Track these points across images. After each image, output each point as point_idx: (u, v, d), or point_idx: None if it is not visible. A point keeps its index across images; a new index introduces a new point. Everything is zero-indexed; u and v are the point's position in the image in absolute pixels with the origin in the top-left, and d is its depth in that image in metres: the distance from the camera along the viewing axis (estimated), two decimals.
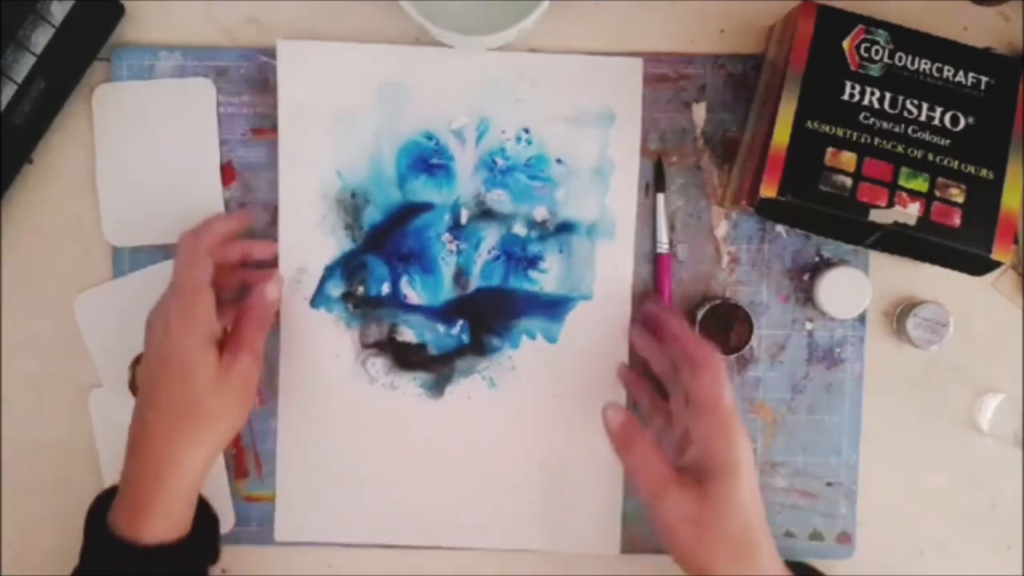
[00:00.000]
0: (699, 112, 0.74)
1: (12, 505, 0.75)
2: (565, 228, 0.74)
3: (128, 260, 0.74)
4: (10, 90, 0.70)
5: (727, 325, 0.73)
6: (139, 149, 0.74)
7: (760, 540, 0.62)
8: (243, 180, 0.75)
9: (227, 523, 0.75)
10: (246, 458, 0.75)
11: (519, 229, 0.74)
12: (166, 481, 0.65)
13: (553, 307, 0.74)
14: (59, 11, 0.70)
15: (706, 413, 0.63)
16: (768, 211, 0.67)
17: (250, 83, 0.74)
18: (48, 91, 0.71)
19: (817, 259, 0.75)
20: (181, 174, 0.74)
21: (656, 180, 0.74)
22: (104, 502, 0.67)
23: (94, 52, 0.73)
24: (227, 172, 0.74)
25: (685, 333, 0.68)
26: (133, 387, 0.74)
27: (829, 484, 0.75)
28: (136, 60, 0.74)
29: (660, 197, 0.74)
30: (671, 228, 0.74)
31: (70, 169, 0.75)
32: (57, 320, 0.75)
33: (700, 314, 0.72)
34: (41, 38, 0.70)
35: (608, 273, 0.74)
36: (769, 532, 0.63)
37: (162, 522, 0.65)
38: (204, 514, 0.69)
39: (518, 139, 0.74)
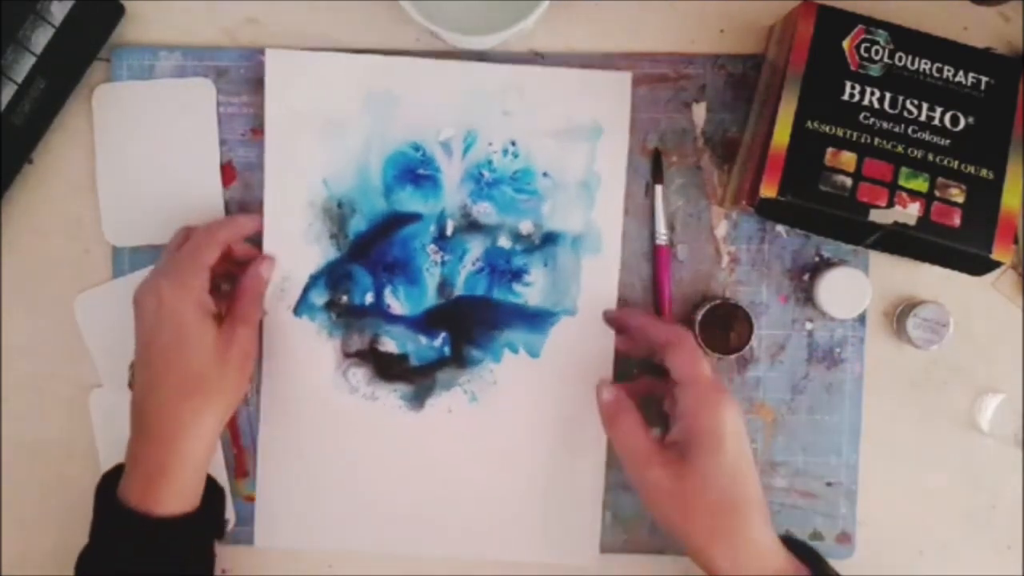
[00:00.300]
0: (699, 112, 0.74)
1: (12, 505, 0.75)
2: (550, 241, 0.74)
3: (128, 260, 0.75)
4: (10, 90, 0.70)
5: (727, 325, 0.72)
6: (139, 149, 0.74)
7: (744, 509, 0.62)
8: (243, 180, 0.75)
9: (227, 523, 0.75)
10: (246, 458, 0.75)
11: (504, 242, 0.74)
12: (177, 452, 0.65)
13: (536, 321, 0.74)
14: (59, 11, 0.70)
15: (689, 387, 0.65)
16: (768, 211, 0.67)
17: (250, 83, 0.74)
18: (48, 91, 0.71)
19: (817, 259, 0.75)
20: (181, 174, 0.74)
21: (654, 172, 0.74)
22: (110, 480, 0.67)
23: (94, 52, 0.73)
24: (227, 172, 0.74)
25: (647, 322, 0.69)
26: (133, 387, 0.74)
27: (829, 484, 0.75)
28: (136, 60, 0.74)
29: (658, 188, 0.74)
30: (671, 228, 0.74)
31: (70, 169, 0.75)
32: (57, 320, 0.75)
33: (700, 314, 0.72)
34: (41, 38, 0.70)
35: (593, 288, 0.74)
36: (760, 501, 0.63)
37: (174, 494, 0.65)
38: (211, 490, 0.69)
39: (505, 152, 0.74)
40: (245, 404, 0.75)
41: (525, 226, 0.74)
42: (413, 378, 0.74)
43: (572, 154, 0.73)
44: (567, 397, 0.74)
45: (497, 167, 0.74)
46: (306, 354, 0.74)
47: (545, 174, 0.74)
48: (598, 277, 0.74)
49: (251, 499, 0.75)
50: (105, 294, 0.75)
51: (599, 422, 0.70)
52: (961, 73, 0.67)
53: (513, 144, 0.74)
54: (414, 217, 0.74)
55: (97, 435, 0.75)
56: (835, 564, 0.74)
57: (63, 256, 0.75)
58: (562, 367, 0.74)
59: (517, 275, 0.74)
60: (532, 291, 0.74)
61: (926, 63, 0.67)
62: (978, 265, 0.66)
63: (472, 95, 0.73)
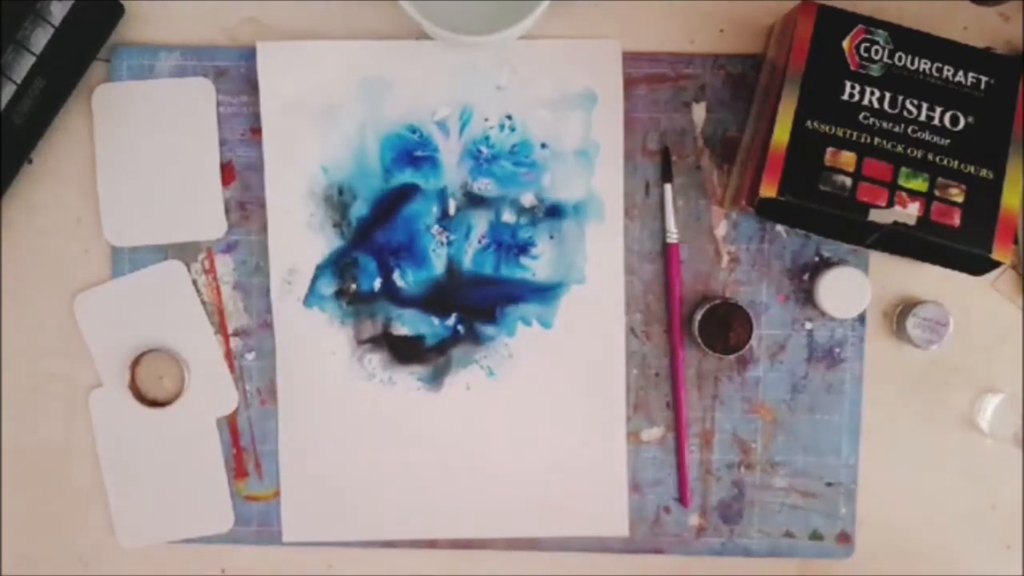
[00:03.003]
0: (699, 112, 0.74)
1: (12, 505, 0.75)
2: (554, 212, 0.74)
3: (128, 260, 0.75)
4: (10, 90, 0.70)
5: (727, 325, 0.72)
6: (139, 149, 0.74)
7: None
8: (243, 180, 0.75)
9: (227, 523, 0.75)
10: (246, 458, 0.75)
11: (508, 216, 0.74)
12: None
13: (547, 292, 0.74)
14: (59, 11, 0.70)
15: None
16: (768, 211, 0.67)
17: (250, 83, 0.74)
18: (48, 91, 0.71)
19: (817, 259, 0.75)
20: (181, 174, 0.74)
21: (663, 171, 0.74)
22: None
23: (94, 52, 0.73)
24: (227, 172, 0.74)
25: None
26: (133, 387, 0.74)
27: (829, 484, 0.75)
28: (136, 60, 0.74)
29: (668, 187, 0.74)
30: None
31: (70, 169, 0.75)
32: (57, 320, 0.75)
33: (700, 314, 0.72)
34: (41, 38, 0.70)
35: (600, 256, 0.74)
36: None
37: None
38: None
39: (501, 126, 0.74)
40: (245, 406, 0.75)
41: (527, 199, 0.74)
42: (429, 358, 0.75)
43: (568, 123, 0.74)
44: (583, 364, 0.74)
45: (495, 142, 0.74)
46: (320, 344, 0.74)
47: (543, 145, 0.74)
48: (603, 244, 0.74)
49: (251, 499, 0.75)
50: (105, 294, 0.75)
51: (617, 388, 0.71)
52: (961, 73, 0.67)
53: (509, 118, 0.74)
54: (413, 190, 0.74)
55: (97, 435, 0.75)
56: (835, 564, 0.75)
57: (63, 256, 0.75)
58: (576, 335, 0.74)
59: (524, 249, 0.74)
60: (540, 264, 0.74)
61: (926, 63, 0.67)
62: (978, 265, 0.66)
63: (464, 73, 0.74)
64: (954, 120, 0.66)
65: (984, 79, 0.67)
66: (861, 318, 0.74)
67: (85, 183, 0.75)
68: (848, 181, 0.65)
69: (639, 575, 0.75)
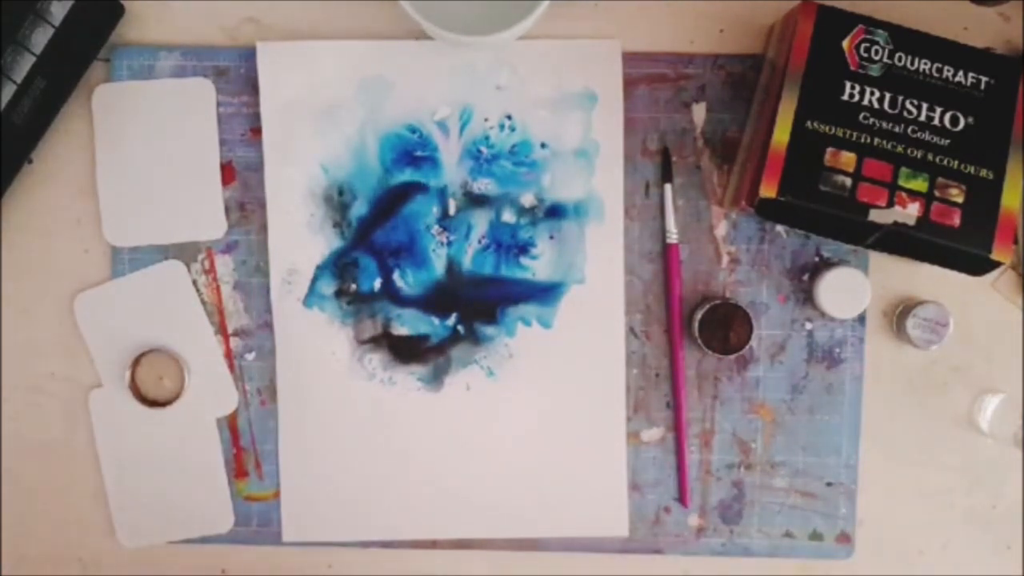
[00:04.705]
0: (699, 112, 0.74)
1: (12, 505, 0.75)
2: (554, 212, 0.74)
3: (128, 260, 0.75)
4: (10, 90, 0.70)
5: (727, 325, 0.72)
6: (139, 149, 0.74)
7: None
8: (243, 180, 0.75)
9: (226, 523, 0.75)
10: (246, 458, 0.75)
11: (508, 216, 0.74)
12: None
13: (547, 293, 0.74)
14: (59, 11, 0.70)
15: None
16: (768, 211, 0.67)
17: (250, 83, 0.74)
18: (48, 91, 0.71)
19: (817, 259, 0.75)
20: (181, 174, 0.74)
21: (663, 171, 0.74)
22: None
23: (94, 52, 0.73)
24: (227, 172, 0.75)
25: None
26: (133, 387, 0.74)
27: (829, 484, 0.75)
28: (136, 60, 0.74)
29: (668, 187, 0.74)
30: None
31: (70, 169, 0.75)
32: (57, 320, 0.75)
33: (700, 314, 0.72)
34: (41, 38, 0.70)
35: (599, 256, 0.74)
36: None
37: None
38: None
39: (501, 126, 0.74)
40: (245, 406, 0.75)
41: (527, 199, 0.74)
42: (429, 358, 0.75)
43: (568, 123, 0.74)
44: (583, 365, 0.74)
45: (495, 142, 0.74)
46: (320, 344, 0.75)
47: (543, 145, 0.74)
48: (603, 244, 0.74)
49: (251, 499, 0.75)
50: (105, 294, 0.75)
51: (617, 388, 0.72)
52: (961, 73, 0.67)
53: (509, 118, 0.74)
54: (413, 189, 0.74)
55: (97, 435, 0.75)
56: (835, 564, 0.75)
57: (63, 256, 0.75)
58: (576, 335, 0.74)
59: (524, 249, 0.74)
60: (540, 264, 0.74)
61: (926, 63, 0.67)
62: (978, 265, 0.66)
63: (464, 73, 0.74)
64: (954, 120, 0.66)
65: (984, 79, 0.66)
66: (861, 318, 0.74)
67: (85, 183, 0.75)
68: (848, 181, 0.65)
69: (639, 575, 0.75)
